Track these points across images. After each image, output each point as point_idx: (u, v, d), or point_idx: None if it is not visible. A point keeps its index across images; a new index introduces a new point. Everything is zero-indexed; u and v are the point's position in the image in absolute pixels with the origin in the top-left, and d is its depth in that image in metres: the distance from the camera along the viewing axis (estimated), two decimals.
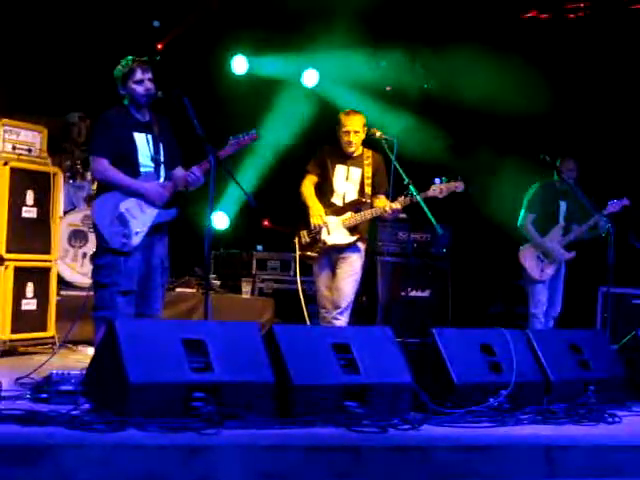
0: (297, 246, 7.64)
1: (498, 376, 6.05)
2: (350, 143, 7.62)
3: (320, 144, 7.92)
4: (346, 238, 7.58)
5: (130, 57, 6.39)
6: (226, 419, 5.01)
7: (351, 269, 7.59)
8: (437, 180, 7.48)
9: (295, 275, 10.43)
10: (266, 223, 12.10)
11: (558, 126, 10.72)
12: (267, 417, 5.18)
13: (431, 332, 6.08)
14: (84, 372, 5.44)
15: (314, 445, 4.91)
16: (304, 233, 7.60)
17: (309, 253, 7.60)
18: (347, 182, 7.67)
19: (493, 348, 6.16)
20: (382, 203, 7.56)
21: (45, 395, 5.38)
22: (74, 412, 4.94)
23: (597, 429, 5.84)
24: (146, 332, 5.24)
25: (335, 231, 7.56)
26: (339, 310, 7.51)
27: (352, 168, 7.68)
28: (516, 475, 5.15)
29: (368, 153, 7.73)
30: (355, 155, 7.69)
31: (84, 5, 9.66)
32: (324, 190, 7.68)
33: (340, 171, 7.68)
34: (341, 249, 7.59)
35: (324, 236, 7.54)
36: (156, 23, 10.90)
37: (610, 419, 6.01)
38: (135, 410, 4.88)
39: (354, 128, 7.60)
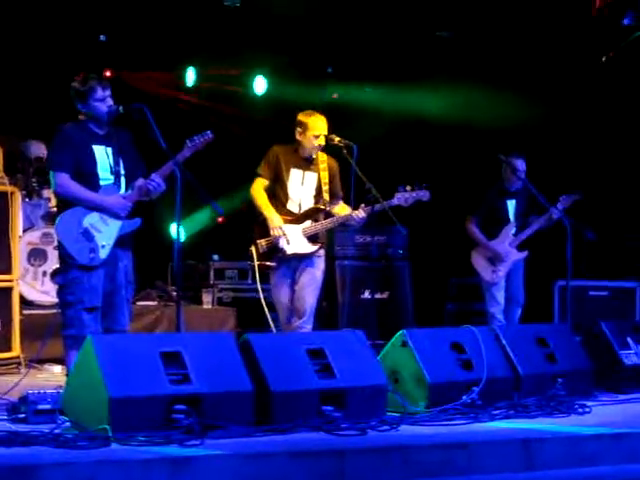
0: (255, 255, 7.40)
1: (470, 373, 6.15)
2: (319, 147, 7.39)
3: (265, 145, 7.65)
4: (307, 247, 7.40)
5: (90, 75, 6.39)
6: (208, 429, 5.05)
7: (313, 278, 7.43)
8: (401, 188, 7.32)
9: (254, 283, 10.57)
10: (220, 220, 12.06)
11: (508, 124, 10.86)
12: (248, 425, 5.23)
13: (402, 333, 6.14)
14: (60, 390, 5.44)
15: (296, 451, 4.95)
16: (261, 242, 7.36)
17: (268, 263, 7.37)
18: (302, 187, 7.46)
19: (463, 346, 6.25)
20: (342, 210, 7.41)
21: (22, 415, 5.36)
22: (56, 430, 4.94)
23: (569, 420, 5.97)
24: (122, 346, 5.27)
25: (295, 240, 7.34)
26: (304, 319, 7.38)
27: (308, 173, 7.46)
28: (495, 469, 5.21)
29: (323, 157, 7.50)
30: (310, 157, 7.48)
31: (31, 22, 9.58)
32: (278, 195, 7.44)
33: (295, 176, 7.45)
34: (301, 258, 7.41)
35: (283, 245, 7.30)
36: (102, 37, 10.83)
37: (580, 409, 6.16)
38: (116, 425, 4.89)
39: (323, 131, 7.36)
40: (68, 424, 5.13)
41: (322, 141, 7.38)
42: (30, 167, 9.44)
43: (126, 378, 5.04)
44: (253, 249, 7.41)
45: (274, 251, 7.34)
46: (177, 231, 6.04)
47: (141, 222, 6.45)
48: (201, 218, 11.61)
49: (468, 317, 9.88)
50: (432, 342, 6.19)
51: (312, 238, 7.44)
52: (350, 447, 5.06)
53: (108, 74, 10.79)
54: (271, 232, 7.30)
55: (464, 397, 6.00)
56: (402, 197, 7.34)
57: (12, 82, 9.96)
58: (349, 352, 5.83)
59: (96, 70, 9.70)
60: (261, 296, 7.44)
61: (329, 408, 5.50)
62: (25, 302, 8.74)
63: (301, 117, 7.44)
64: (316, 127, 7.36)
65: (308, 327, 7.42)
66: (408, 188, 7.34)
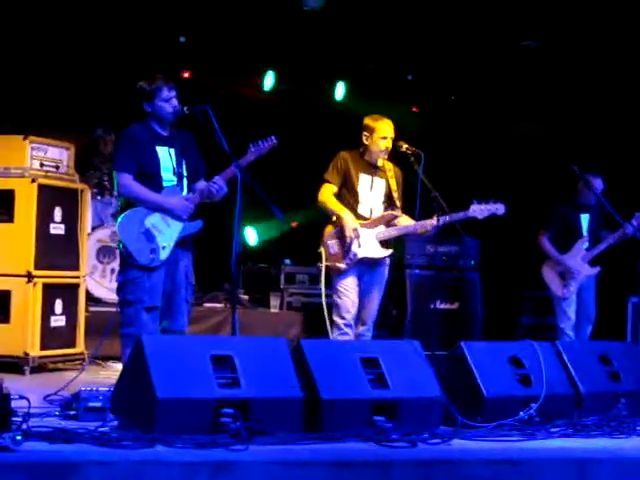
0: (324, 256, 7.32)
1: (528, 389, 6.00)
2: (386, 150, 7.32)
3: (333, 150, 7.58)
4: (379, 252, 7.33)
5: (157, 74, 6.42)
6: (255, 435, 5.00)
7: (381, 287, 7.39)
8: (476, 201, 7.21)
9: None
10: (294, 224, 12.06)
11: (583, 137, 10.69)
12: (296, 432, 5.16)
13: (460, 345, 6.04)
14: (112, 388, 5.45)
15: (343, 460, 4.88)
16: (332, 243, 7.29)
17: (338, 264, 7.26)
18: (371, 193, 7.40)
19: (522, 361, 6.11)
20: (405, 220, 7.37)
21: (73, 412, 5.38)
22: (102, 429, 4.95)
23: (629, 442, 5.78)
24: (173, 348, 5.25)
25: (367, 244, 7.27)
26: (367, 327, 7.34)
27: (376, 179, 7.41)
28: None
29: (389, 165, 7.47)
30: (377, 164, 7.46)
31: (111, 22, 9.67)
32: (347, 200, 7.36)
33: (364, 181, 7.39)
34: (371, 263, 7.34)
35: (355, 248, 7.22)
36: (182, 39, 10.90)
37: None
38: (163, 426, 4.88)
39: (391, 134, 7.32)
40: (115, 423, 5.13)
41: (389, 144, 7.32)
42: (103, 165, 9.54)
43: (175, 380, 5.02)
44: (322, 250, 7.33)
45: (346, 253, 7.25)
46: (236, 233, 6.00)
47: (203, 224, 6.46)
48: (277, 224, 11.62)
49: (542, 331, 9.77)
50: (490, 355, 6.06)
51: (384, 243, 7.37)
52: (397, 459, 4.97)
53: (186, 75, 10.87)
54: (346, 232, 7.22)
55: (521, 413, 5.86)
56: (477, 209, 7.23)
57: (92, 81, 10.07)
58: (404, 363, 5.74)
59: (174, 71, 9.91)
60: (323, 299, 7.36)
61: (380, 419, 5.40)
62: (92, 299, 8.84)
63: (368, 121, 7.41)
64: (384, 130, 7.32)
65: (369, 335, 7.37)
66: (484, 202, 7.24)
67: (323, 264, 7.31)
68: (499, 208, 7.30)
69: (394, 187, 7.45)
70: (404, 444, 5.23)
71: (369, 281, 7.38)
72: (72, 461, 4.43)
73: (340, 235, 7.28)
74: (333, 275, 7.32)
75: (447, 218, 7.13)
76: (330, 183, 7.37)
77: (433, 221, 7.15)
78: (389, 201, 7.45)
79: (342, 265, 7.24)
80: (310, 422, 5.27)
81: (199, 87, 10.47)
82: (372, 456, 5.01)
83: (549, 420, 5.91)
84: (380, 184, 7.44)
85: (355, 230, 7.22)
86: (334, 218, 7.33)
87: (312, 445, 5.09)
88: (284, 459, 4.80)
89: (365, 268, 7.35)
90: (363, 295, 7.37)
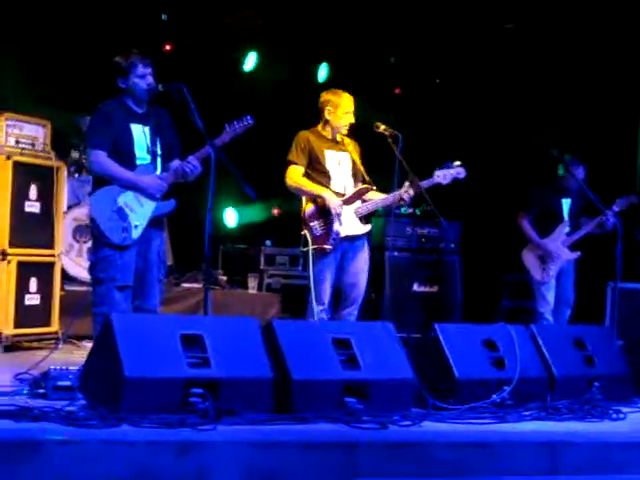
0: (309, 239, 7.14)
1: (501, 372, 5.99)
2: (349, 125, 7.26)
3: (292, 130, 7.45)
4: (360, 228, 7.22)
5: (132, 50, 6.36)
6: (223, 415, 4.96)
7: (366, 263, 7.28)
8: (438, 167, 7.21)
9: (304, 270, 10.49)
10: (276, 212, 12.02)
11: (565, 122, 10.67)
12: (265, 413, 5.14)
13: (433, 327, 6.02)
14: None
15: (312, 441, 4.85)
16: (316, 225, 7.14)
17: (325, 246, 7.09)
18: (340, 168, 7.29)
19: (496, 343, 6.09)
20: (376, 194, 7.28)
21: (42, 391, 5.35)
22: (69, 408, 4.91)
23: (601, 425, 5.78)
24: (143, 326, 5.22)
25: (347, 221, 7.16)
26: (355, 306, 7.24)
27: (340, 153, 7.31)
28: (519, 472, 5.07)
29: (347, 140, 7.38)
30: (337, 139, 7.35)
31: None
32: (317, 179, 7.22)
33: (331, 157, 7.28)
34: (353, 240, 7.21)
35: (337, 227, 7.10)
36: (164, 16, 10.84)
37: (614, 415, 5.95)
38: (130, 405, 4.84)
39: (353, 109, 7.25)
40: (83, 402, 5.09)
41: (352, 118, 7.26)
42: (82, 143, 9.46)
43: (143, 358, 4.98)
44: (307, 233, 7.15)
45: (329, 234, 7.12)
46: (208, 213, 5.95)
47: (175, 204, 6.41)
48: (259, 209, 11.59)
49: (522, 315, 9.75)
50: (464, 338, 6.04)
51: (363, 219, 7.28)
52: (366, 440, 4.94)
53: (168, 48, 10.82)
54: (332, 211, 7.08)
55: (494, 396, 5.84)
56: (441, 174, 7.20)
57: (69, 57, 9.98)
58: (376, 344, 5.70)
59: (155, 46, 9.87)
60: (311, 283, 7.14)
61: (351, 400, 5.37)
62: (68, 278, 8.78)
63: (330, 96, 7.32)
64: (348, 104, 7.24)
65: (356, 314, 7.27)
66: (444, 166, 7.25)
67: (310, 247, 7.12)
68: (460, 172, 7.28)
69: (358, 161, 7.35)
70: (374, 425, 5.20)
71: (353, 258, 7.26)
72: (36, 439, 4.39)
73: (321, 215, 7.16)
74: (315, 258, 7.14)
75: (417, 186, 7.09)
76: (297, 164, 7.23)
77: (408, 190, 7.11)
78: (357, 175, 7.35)
79: (328, 246, 7.11)
80: (280, 403, 5.24)
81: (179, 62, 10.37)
82: (341, 437, 4.97)
83: (522, 403, 5.89)
84: (345, 158, 7.33)
85: (340, 206, 7.11)
86: (318, 200, 7.17)
87: (281, 426, 5.06)
88: (252, 439, 4.77)
89: (347, 246, 7.23)
90: (349, 274, 7.25)
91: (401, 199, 7.17)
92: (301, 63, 11.81)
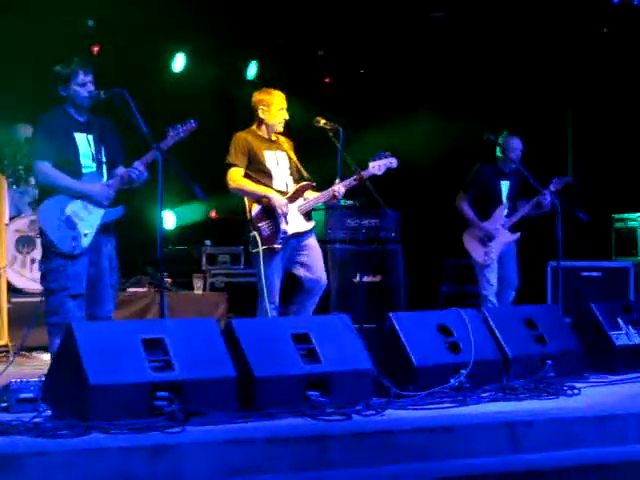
0: (259, 240, 7.08)
1: (457, 356, 6.10)
2: (284, 121, 7.30)
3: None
4: (305, 225, 7.26)
5: (73, 58, 6.34)
6: (190, 416, 5.00)
7: (319, 253, 7.31)
8: (371, 159, 7.32)
9: (246, 268, 10.53)
10: (213, 214, 12.03)
11: (501, 101, 10.82)
12: (231, 412, 5.17)
13: (388, 316, 6.10)
14: (43, 379, 5.39)
15: (279, 437, 4.90)
16: (264, 225, 7.13)
17: (275, 245, 7.10)
18: (279, 167, 7.31)
19: (450, 329, 6.20)
20: (311, 192, 7.33)
21: (5, 404, 5.31)
22: (36, 419, 4.90)
23: (557, 402, 5.91)
24: (104, 333, 5.22)
25: (292, 219, 7.19)
26: (316, 296, 7.25)
27: (278, 152, 7.34)
28: (481, 452, 5.16)
29: (281, 138, 7.43)
30: (272, 139, 7.39)
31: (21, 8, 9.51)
32: (258, 180, 7.22)
33: (270, 157, 7.30)
34: (299, 236, 7.23)
35: (284, 226, 7.13)
36: (90, 23, 10.78)
37: (569, 392, 6.09)
38: (97, 413, 4.85)
39: (286, 105, 7.31)
40: (49, 412, 5.08)
41: (286, 115, 7.32)
42: (18, 152, 9.38)
43: (107, 365, 4.99)
44: (256, 234, 7.11)
45: (277, 233, 7.14)
46: (159, 218, 5.97)
47: (123, 210, 6.41)
48: (194, 209, 11.58)
49: (463, 299, 9.89)
50: (418, 325, 6.14)
51: (307, 215, 7.31)
52: (333, 432, 5.00)
53: (96, 49, 10.77)
54: (279, 210, 7.10)
55: (451, 380, 5.95)
56: (375, 165, 7.32)
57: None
58: (335, 337, 5.77)
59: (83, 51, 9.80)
60: (264, 284, 7.03)
61: (314, 393, 5.44)
62: (14, 290, 8.71)
63: (262, 95, 7.35)
64: (280, 101, 7.30)
65: (315, 304, 7.28)
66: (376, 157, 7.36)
67: (260, 248, 7.07)
68: (392, 162, 7.42)
69: (294, 157, 7.40)
70: (339, 417, 5.28)
71: (309, 254, 7.29)
72: (8, 453, 4.39)
73: (267, 216, 7.16)
74: (265, 257, 7.10)
75: (348, 181, 7.20)
76: (237, 166, 7.21)
77: (339, 187, 7.19)
78: (296, 172, 7.40)
79: (277, 245, 7.12)
80: (245, 400, 5.28)
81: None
82: (308, 431, 5.03)
83: (479, 385, 6.00)
84: (283, 157, 7.37)
85: (286, 206, 7.14)
86: (263, 200, 7.17)
87: (248, 423, 5.11)
88: (221, 439, 4.80)
89: (294, 243, 7.25)
90: (304, 267, 7.24)
91: (334, 196, 7.23)
92: (230, 61, 11.84)
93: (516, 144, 8.71)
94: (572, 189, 8.95)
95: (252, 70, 12.16)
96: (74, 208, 6.23)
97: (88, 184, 6.27)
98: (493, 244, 8.69)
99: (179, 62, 11.68)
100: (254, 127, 7.39)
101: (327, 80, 12.49)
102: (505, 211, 8.79)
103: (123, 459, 4.50)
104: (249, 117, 7.43)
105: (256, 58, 12.10)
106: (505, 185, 8.84)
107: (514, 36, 10.69)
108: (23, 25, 9.61)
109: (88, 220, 6.25)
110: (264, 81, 11.45)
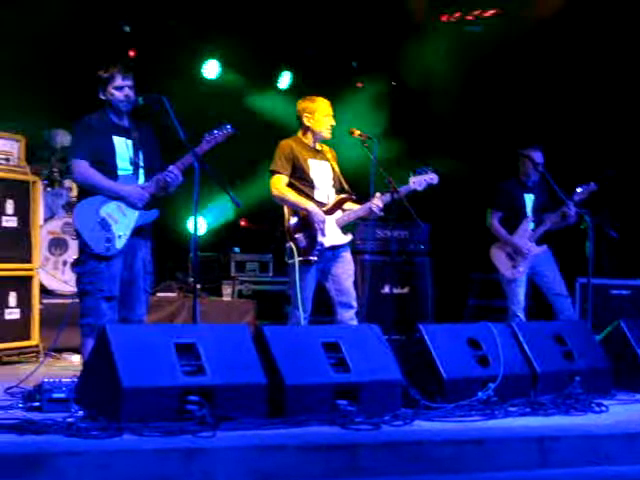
0: (295, 250, 7.05)
1: (486, 369, 6.11)
2: (330, 128, 7.25)
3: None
4: (342, 238, 7.21)
5: (114, 63, 6.41)
6: (221, 421, 5.04)
7: (351, 268, 7.26)
8: (412, 174, 7.25)
9: (275, 276, 10.60)
10: (243, 223, 12.09)
11: (523, 116, 10.83)
12: (261, 418, 5.21)
13: (418, 328, 6.12)
14: (75, 379, 5.45)
15: (309, 444, 4.94)
16: (301, 236, 7.09)
17: (311, 258, 7.05)
18: (322, 177, 7.28)
19: (480, 342, 6.22)
20: (350, 204, 7.28)
21: (37, 404, 5.38)
22: (69, 419, 4.95)
23: (585, 418, 5.91)
24: (137, 337, 5.27)
25: (330, 231, 7.14)
26: (355, 310, 7.20)
27: (322, 162, 7.30)
28: (509, 466, 5.18)
29: (325, 147, 7.38)
30: (317, 148, 7.35)
31: (56, 12, 9.58)
32: (301, 189, 7.19)
33: (314, 166, 7.24)
34: (335, 249, 7.19)
35: (321, 238, 7.09)
36: (126, 28, 10.88)
37: (597, 408, 6.10)
38: (129, 415, 4.91)
39: (332, 112, 7.27)
40: (81, 413, 5.14)
41: (333, 121, 7.27)
42: (52, 156, 9.48)
43: (139, 368, 5.05)
44: (292, 245, 7.08)
45: (313, 245, 7.10)
46: (195, 223, 6.02)
47: (158, 214, 6.46)
48: (222, 211, 11.65)
49: (490, 314, 9.87)
50: (448, 337, 6.16)
51: (344, 228, 7.26)
52: (363, 441, 5.04)
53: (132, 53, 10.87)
54: (316, 225, 7.06)
55: (480, 393, 5.97)
56: (416, 180, 7.23)
57: (40, 72, 9.96)
58: (365, 346, 5.81)
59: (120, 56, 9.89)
60: (298, 295, 6.99)
61: (343, 402, 5.48)
62: (45, 291, 8.80)
63: (306, 103, 7.31)
64: (325, 108, 7.26)
65: (354, 317, 7.21)
66: (417, 172, 7.28)
67: (296, 259, 7.04)
68: (433, 178, 7.33)
69: (337, 169, 7.36)
70: (367, 427, 5.31)
71: (342, 266, 7.24)
72: (43, 452, 4.44)
73: (305, 227, 7.13)
74: (301, 268, 7.05)
75: (388, 196, 7.12)
76: (281, 174, 7.17)
77: (381, 197, 7.13)
78: (337, 184, 7.36)
79: (313, 257, 7.08)
80: (274, 407, 5.32)
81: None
82: (338, 439, 5.07)
83: (506, 399, 6.01)
84: (326, 167, 7.33)
85: (324, 221, 7.09)
86: (301, 212, 7.13)
87: (278, 430, 5.15)
88: (252, 444, 4.85)
89: (330, 255, 7.20)
90: (336, 280, 7.20)
91: (371, 211, 7.19)
92: (263, 70, 11.90)
93: (537, 157, 8.69)
94: (601, 201, 8.88)
95: (285, 80, 12.20)
96: (109, 210, 6.28)
97: (123, 185, 6.33)
98: (521, 258, 8.68)
99: (212, 68, 11.73)
100: (299, 134, 7.34)
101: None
102: (531, 224, 8.75)
103: (157, 461, 4.55)
104: (282, 126, 7.46)
105: (288, 68, 12.13)
106: (529, 198, 8.81)
107: (541, 51, 10.71)
108: (60, 29, 9.67)
109: (122, 222, 6.30)
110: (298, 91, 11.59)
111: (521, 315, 8.63)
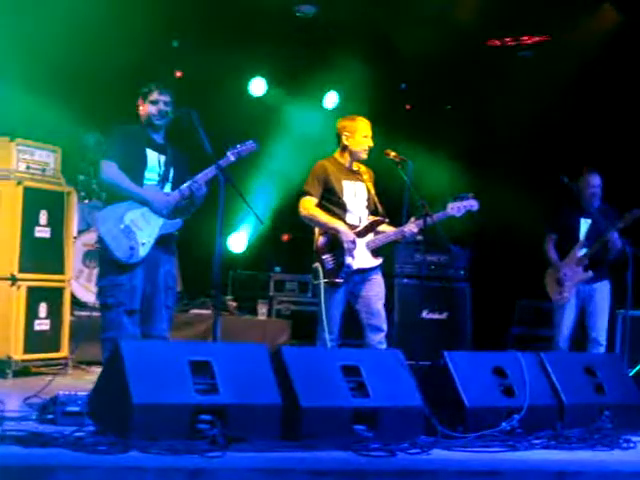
0: (321, 273, 6.95)
1: (511, 400, 5.97)
2: (368, 148, 7.12)
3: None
4: (372, 261, 7.05)
5: (153, 80, 6.51)
6: (232, 442, 4.95)
7: (381, 290, 7.09)
8: (452, 200, 7.09)
9: (314, 297, 10.50)
10: (286, 237, 12.04)
11: (573, 140, 10.67)
12: (274, 439, 5.12)
13: (442, 354, 6.00)
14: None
15: (321, 469, 4.87)
16: (328, 257, 6.97)
17: (337, 280, 6.92)
18: (356, 199, 7.14)
19: (506, 371, 6.08)
20: (386, 227, 7.14)
21: (51, 416, 5.34)
22: (78, 434, 4.90)
23: (611, 454, 5.74)
24: (151, 353, 5.21)
25: (359, 254, 6.99)
26: (384, 333, 7.00)
27: (357, 183, 7.17)
28: None
29: (363, 168, 7.25)
30: (354, 168, 7.24)
31: (102, 25, 9.61)
32: (332, 210, 7.06)
33: (348, 188, 7.14)
34: (364, 273, 7.03)
35: (349, 260, 6.94)
36: (175, 43, 10.92)
37: (625, 444, 5.91)
38: (138, 432, 4.83)
39: (370, 132, 7.13)
40: (92, 428, 5.08)
41: (371, 142, 7.14)
42: (91, 167, 9.50)
43: (152, 385, 4.98)
44: (319, 266, 6.98)
45: (341, 267, 6.96)
46: (218, 237, 5.97)
47: (182, 224, 6.43)
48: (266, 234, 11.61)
49: (534, 342, 9.70)
50: (473, 365, 6.02)
51: (375, 251, 7.12)
52: (375, 468, 4.94)
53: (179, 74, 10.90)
54: (345, 246, 6.92)
55: (503, 424, 5.82)
56: (455, 206, 7.07)
57: (84, 84, 10.00)
58: (385, 371, 5.70)
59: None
60: (324, 317, 6.88)
61: (361, 427, 5.37)
62: (78, 303, 8.79)
63: (345, 122, 7.20)
64: (365, 128, 7.14)
65: (384, 341, 7.02)
66: (457, 199, 7.11)
67: (322, 280, 6.93)
68: (473, 205, 7.16)
69: (372, 191, 7.22)
70: (383, 453, 5.18)
71: (372, 289, 7.09)
72: (45, 465, 4.41)
73: (333, 248, 7.00)
74: (327, 290, 6.94)
75: (422, 221, 6.95)
76: (311, 195, 7.06)
77: (416, 222, 6.99)
78: (372, 206, 7.22)
79: (339, 280, 6.95)
80: (289, 429, 5.22)
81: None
82: (350, 465, 4.98)
83: (531, 431, 5.86)
84: (361, 189, 7.19)
85: (353, 242, 6.94)
86: (331, 232, 7.00)
87: (290, 453, 5.04)
88: (261, 466, 4.78)
89: (359, 278, 7.06)
90: (364, 303, 7.04)
91: (403, 235, 7.07)
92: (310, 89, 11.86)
93: (593, 180, 8.50)
94: None
95: (331, 99, 12.13)
96: (133, 217, 6.27)
97: (148, 190, 6.32)
98: (567, 284, 8.45)
99: (258, 86, 11.72)
100: (337, 154, 7.23)
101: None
102: (583, 250, 8.50)
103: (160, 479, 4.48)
104: (323, 146, 7.40)
105: (336, 88, 12.08)
106: (585, 223, 8.53)
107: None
108: (106, 42, 9.70)
109: (146, 230, 6.29)
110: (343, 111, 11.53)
111: (563, 344, 8.38)
